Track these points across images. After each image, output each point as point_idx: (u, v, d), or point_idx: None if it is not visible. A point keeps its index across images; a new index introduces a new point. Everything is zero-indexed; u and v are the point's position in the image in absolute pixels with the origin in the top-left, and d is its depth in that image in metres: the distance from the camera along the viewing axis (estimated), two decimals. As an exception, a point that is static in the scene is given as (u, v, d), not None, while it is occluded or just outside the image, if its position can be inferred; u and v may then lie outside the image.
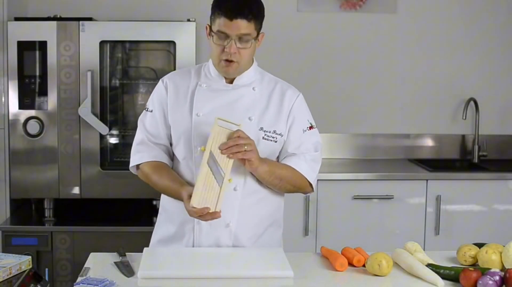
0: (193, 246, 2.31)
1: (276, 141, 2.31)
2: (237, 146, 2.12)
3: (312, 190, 2.41)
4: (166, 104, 2.34)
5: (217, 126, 2.15)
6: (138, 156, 2.37)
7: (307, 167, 2.33)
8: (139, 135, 2.39)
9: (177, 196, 2.25)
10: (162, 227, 2.40)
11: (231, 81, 2.33)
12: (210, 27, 2.25)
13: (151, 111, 2.37)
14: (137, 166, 2.39)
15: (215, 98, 2.31)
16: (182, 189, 2.21)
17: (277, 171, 2.28)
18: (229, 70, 2.26)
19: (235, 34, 2.19)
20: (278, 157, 2.38)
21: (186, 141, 2.30)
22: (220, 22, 2.19)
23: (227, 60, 2.23)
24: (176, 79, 2.38)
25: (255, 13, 2.21)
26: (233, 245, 2.31)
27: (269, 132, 2.30)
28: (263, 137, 2.29)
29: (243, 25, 2.19)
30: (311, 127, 2.38)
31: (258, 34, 2.26)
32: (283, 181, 2.30)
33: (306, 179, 2.34)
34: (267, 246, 2.35)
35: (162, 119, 2.35)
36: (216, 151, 2.13)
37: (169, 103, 2.34)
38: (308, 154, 2.34)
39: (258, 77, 2.37)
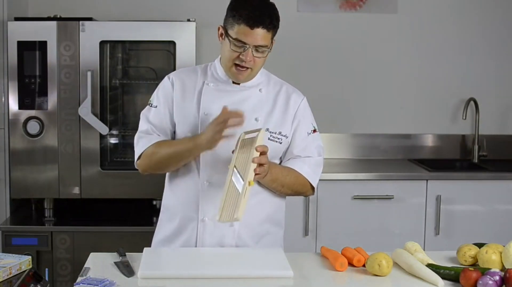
0: (196, 245, 2.31)
1: (281, 143, 2.33)
2: (262, 167, 2.14)
3: (313, 193, 2.44)
4: (172, 100, 2.34)
5: (241, 141, 2.17)
6: (143, 141, 2.32)
7: (311, 171, 2.37)
8: (142, 126, 2.36)
9: (191, 145, 2.23)
10: (165, 225, 2.40)
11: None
12: (225, 30, 2.22)
13: (156, 107, 2.36)
14: (139, 157, 2.35)
15: (222, 98, 2.31)
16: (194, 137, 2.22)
17: (280, 178, 2.30)
18: (241, 77, 2.27)
19: (253, 45, 2.19)
20: (281, 157, 2.40)
21: None
22: (240, 30, 2.17)
23: (239, 66, 2.23)
24: (182, 77, 2.38)
25: (274, 23, 2.22)
26: (236, 245, 2.31)
27: (275, 133, 2.32)
28: (268, 138, 2.30)
29: (262, 35, 2.18)
30: (314, 130, 2.41)
31: (272, 42, 2.26)
32: (284, 187, 2.34)
33: (309, 182, 2.37)
34: (269, 246, 2.36)
35: (167, 115, 2.34)
36: (239, 162, 2.14)
37: (175, 100, 2.34)
38: (313, 158, 2.37)
39: (264, 79, 2.38)
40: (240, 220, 2.08)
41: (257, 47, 2.20)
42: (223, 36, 2.25)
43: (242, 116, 2.16)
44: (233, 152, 2.18)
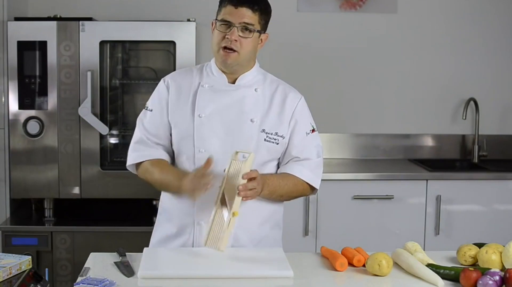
0: (193, 247, 2.31)
1: (278, 143, 2.32)
2: (252, 191, 2.13)
3: (314, 193, 2.44)
4: (168, 104, 2.34)
5: (233, 162, 2.16)
6: (136, 154, 2.35)
7: (312, 174, 2.36)
8: (137, 134, 2.37)
9: (177, 185, 2.21)
10: (162, 227, 2.40)
11: (233, 81, 2.33)
12: (215, 19, 2.27)
13: (151, 110, 2.36)
14: (137, 165, 2.38)
15: (218, 99, 2.30)
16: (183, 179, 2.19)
17: (278, 190, 2.30)
18: (228, 59, 2.25)
19: (238, 22, 2.21)
20: (279, 158, 2.39)
21: (187, 142, 2.30)
22: (225, 11, 2.22)
23: (226, 48, 2.23)
24: (178, 79, 2.38)
25: (261, 6, 2.25)
26: (233, 247, 2.30)
27: (271, 134, 2.31)
28: (264, 139, 2.29)
29: (247, 14, 2.22)
30: (313, 130, 2.39)
31: (261, 29, 2.27)
32: (283, 197, 2.36)
33: (310, 185, 2.36)
34: (267, 248, 2.35)
35: (163, 119, 2.34)
36: (229, 185, 2.14)
37: (170, 103, 2.33)
38: (312, 161, 2.36)
39: (260, 78, 2.37)
40: (223, 251, 2.12)
41: (243, 27, 2.22)
42: (213, 27, 2.28)
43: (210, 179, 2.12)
44: (225, 170, 2.17)
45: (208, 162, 2.14)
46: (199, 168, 2.15)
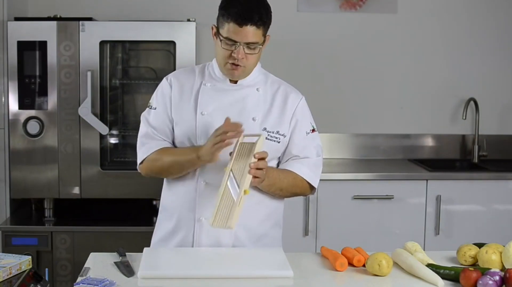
0: (193, 245, 2.31)
1: (279, 142, 2.33)
2: (260, 170, 2.14)
3: (313, 193, 2.45)
4: (170, 101, 2.35)
5: (240, 144, 2.16)
6: (146, 147, 2.35)
7: (311, 172, 2.36)
8: (143, 129, 2.38)
9: (194, 157, 2.22)
10: (162, 225, 2.41)
11: (235, 81, 2.34)
12: (217, 29, 2.24)
13: (155, 108, 2.37)
14: (142, 161, 2.37)
15: (220, 98, 2.31)
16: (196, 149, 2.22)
17: (277, 183, 2.30)
18: (235, 73, 2.27)
19: (244, 42, 2.20)
20: (279, 157, 2.40)
21: (190, 139, 2.31)
22: (229, 28, 2.18)
23: (233, 64, 2.24)
24: (180, 77, 2.39)
25: (264, 19, 2.21)
26: (233, 245, 2.31)
27: (273, 133, 2.32)
28: (266, 138, 2.30)
29: (251, 32, 2.19)
30: (313, 130, 2.40)
31: (264, 36, 2.26)
32: (283, 191, 2.35)
33: (309, 183, 2.37)
34: (267, 246, 2.36)
35: (166, 116, 2.35)
36: (236, 167, 2.14)
37: (173, 100, 2.35)
38: (311, 159, 2.37)
39: (262, 78, 2.38)
40: (232, 228, 2.10)
41: (248, 44, 2.21)
42: (216, 35, 2.26)
43: (241, 128, 2.16)
44: (230, 154, 2.18)
45: (226, 121, 2.15)
46: (216, 129, 2.17)
